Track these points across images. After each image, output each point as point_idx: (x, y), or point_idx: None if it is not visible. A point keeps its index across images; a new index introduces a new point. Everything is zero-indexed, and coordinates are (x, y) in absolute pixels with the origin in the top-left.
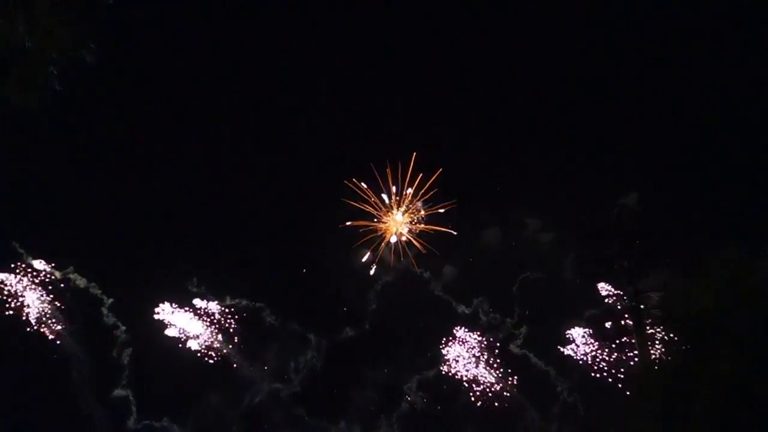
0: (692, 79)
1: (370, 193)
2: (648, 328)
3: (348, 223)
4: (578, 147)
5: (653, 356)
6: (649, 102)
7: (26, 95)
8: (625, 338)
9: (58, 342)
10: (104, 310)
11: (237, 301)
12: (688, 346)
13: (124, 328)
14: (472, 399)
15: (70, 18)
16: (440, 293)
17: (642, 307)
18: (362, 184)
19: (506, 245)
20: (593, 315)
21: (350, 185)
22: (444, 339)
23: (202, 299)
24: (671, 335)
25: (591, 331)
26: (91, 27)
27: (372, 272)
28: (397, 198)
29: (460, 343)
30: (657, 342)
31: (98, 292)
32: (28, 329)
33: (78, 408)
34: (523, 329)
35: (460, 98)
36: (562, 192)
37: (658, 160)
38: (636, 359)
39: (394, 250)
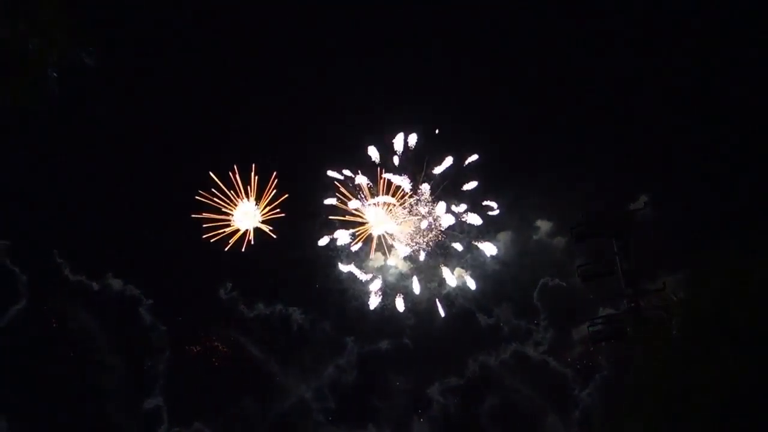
0: (696, 78)
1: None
2: (647, 328)
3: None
4: (587, 149)
5: (652, 356)
6: (654, 102)
7: (26, 97)
8: (623, 339)
9: (93, 352)
10: (142, 311)
11: (271, 308)
12: (688, 346)
13: (164, 328)
14: (497, 404)
15: (70, 20)
16: (464, 302)
17: (641, 307)
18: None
19: (522, 250)
20: (596, 316)
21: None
22: (469, 346)
23: (235, 305)
24: (671, 335)
25: (596, 331)
26: (90, 29)
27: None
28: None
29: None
30: (656, 342)
31: (137, 292)
32: (69, 344)
33: (110, 418)
34: (549, 334)
35: (470, 98)
36: (573, 194)
37: (660, 160)
38: (636, 359)
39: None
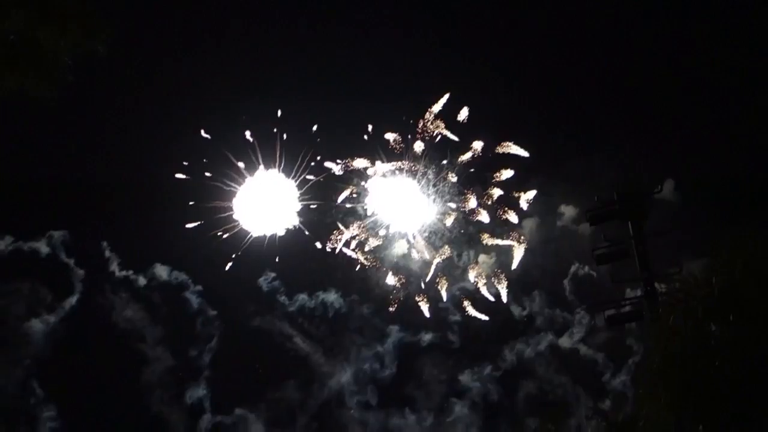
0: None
1: None
2: (663, 312)
3: None
4: (611, 133)
5: (667, 342)
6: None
7: (40, 87)
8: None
9: (141, 344)
10: (189, 295)
11: (312, 297)
12: (704, 331)
13: (214, 312)
14: (533, 393)
15: (83, 8)
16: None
17: (657, 291)
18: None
19: (547, 237)
20: (611, 300)
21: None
22: (502, 336)
23: (279, 294)
24: (686, 320)
25: (612, 315)
26: (104, 17)
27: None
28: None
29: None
30: (671, 327)
31: (184, 277)
32: (118, 336)
33: (156, 408)
34: (583, 322)
35: (489, 87)
36: (596, 179)
37: (685, 145)
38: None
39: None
